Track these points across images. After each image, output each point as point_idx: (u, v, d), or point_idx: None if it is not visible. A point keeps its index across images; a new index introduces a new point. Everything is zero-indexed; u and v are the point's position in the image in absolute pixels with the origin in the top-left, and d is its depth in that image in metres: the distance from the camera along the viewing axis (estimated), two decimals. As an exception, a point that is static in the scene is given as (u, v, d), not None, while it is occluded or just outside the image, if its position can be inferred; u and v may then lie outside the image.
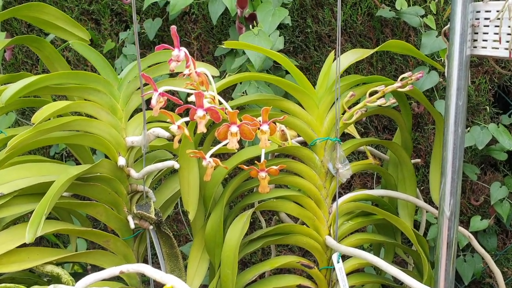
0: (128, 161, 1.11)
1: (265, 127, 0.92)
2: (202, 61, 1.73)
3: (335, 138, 1.10)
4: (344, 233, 1.17)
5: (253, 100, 1.08)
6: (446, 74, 1.09)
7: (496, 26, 1.04)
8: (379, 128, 1.77)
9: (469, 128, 1.65)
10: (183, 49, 0.88)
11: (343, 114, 1.12)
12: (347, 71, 1.68)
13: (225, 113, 0.92)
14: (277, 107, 1.09)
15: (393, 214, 1.25)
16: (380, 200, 1.20)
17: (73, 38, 1.21)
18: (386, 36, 1.68)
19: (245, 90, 1.43)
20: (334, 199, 1.16)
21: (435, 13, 1.57)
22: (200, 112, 0.85)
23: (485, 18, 1.06)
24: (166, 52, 1.22)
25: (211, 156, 0.94)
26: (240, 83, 1.41)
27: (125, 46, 1.66)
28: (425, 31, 1.47)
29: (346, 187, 1.77)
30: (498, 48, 1.03)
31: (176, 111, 0.87)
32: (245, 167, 0.95)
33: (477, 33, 1.07)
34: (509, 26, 1.00)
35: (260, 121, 0.91)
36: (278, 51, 1.31)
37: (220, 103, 0.97)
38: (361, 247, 1.30)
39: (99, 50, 1.40)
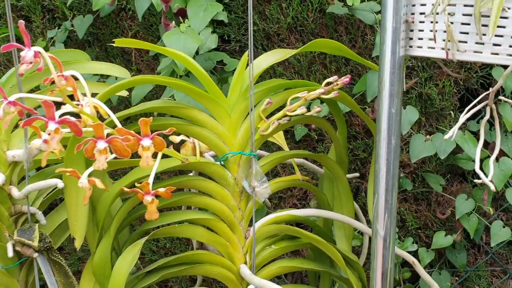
0: (11, 178, 0.95)
1: (146, 142, 0.76)
2: (141, 61, 1.57)
3: (249, 153, 0.94)
4: (266, 259, 1.00)
5: (152, 107, 0.91)
6: (378, 77, 0.92)
7: (432, 22, 0.87)
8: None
9: (432, 135, 1.49)
10: (36, 48, 0.72)
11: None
12: (299, 73, 1.52)
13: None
14: (183, 116, 0.93)
15: (325, 236, 1.09)
16: (308, 220, 1.04)
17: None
18: (340, 35, 1.51)
19: (173, 95, 1.27)
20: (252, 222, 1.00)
21: (389, 8, 1.40)
22: (51, 126, 0.69)
23: (421, 13, 0.89)
24: (69, 52, 1.07)
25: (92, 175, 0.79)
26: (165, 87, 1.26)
27: (54, 46, 1.51)
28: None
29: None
30: (434, 48, 0.87)
31: (21, 124, 0.71)
32: (126, 189, 0.79)
33: (412, 31, 0.90)
34: (444, 22, 0.83)
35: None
36: (221, 51, 1.16)
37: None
38: (298, 277, 1.14)
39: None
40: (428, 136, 1.53)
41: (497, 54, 0.82)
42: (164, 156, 0.84)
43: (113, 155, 0.78)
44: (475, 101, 0.84)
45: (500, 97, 0.89)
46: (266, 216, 1.00)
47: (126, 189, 0.79)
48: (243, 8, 1.52)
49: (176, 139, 1.00)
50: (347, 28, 1.50)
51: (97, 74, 1.33)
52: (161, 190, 0.78)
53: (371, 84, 1.42)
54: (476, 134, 1.60)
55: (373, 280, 0.96)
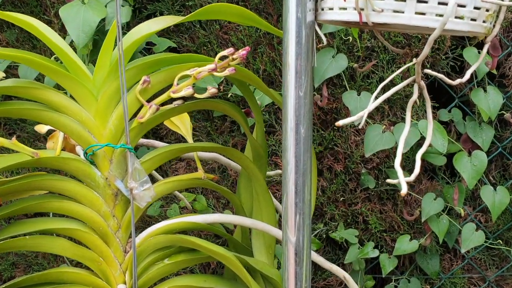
0: None
1: None
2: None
3: (120, 145, 0.73)
4: (156, 277, 0.79)
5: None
6: (283, 50, 0.70)
7: (344, -27, 0.65)
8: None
9: (393, 126, 1.26)
10: None
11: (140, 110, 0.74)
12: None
13: None
14: (38, 99, 0.72)
15: (239, 246, 0.88)
16: (213, 229, 0.83)
17: None
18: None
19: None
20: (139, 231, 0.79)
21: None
22: None
23: (330, -38, 0.67)
24: None
25: None
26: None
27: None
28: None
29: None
30: (346, 9, 0.65)
31: None
32: None
33: (323, -12, 0.69)
34: (355, -29, 0.61)
35: None
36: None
37: None
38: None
39: None
40: (388, 127, 1.31)
41: (423, 14, 0.60)
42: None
43: None
44: (399, 71, 0.62)
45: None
46: (155, 225, 0.79)
47: None
48: (176, -20, 1.30)
49: (43, 129, 0.79)
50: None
51: None
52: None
53: (320, 65, 1.20)
54: (447, 125, 1.37)
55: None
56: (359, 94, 1.20)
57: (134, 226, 0.75)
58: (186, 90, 0.71)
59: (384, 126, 1.22)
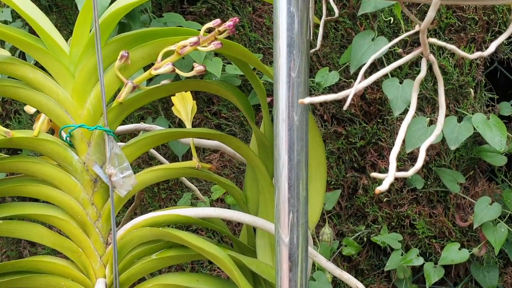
0: None
1: None
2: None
3: (96, 126, 0.66)
4: (141, 273, 0.72)
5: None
6: (273, 20, 0.60)
7: None
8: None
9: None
10: None
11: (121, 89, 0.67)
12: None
13: None
14: (14, 76, 0.67)
15: (240, 245, 0.79)
16: (206, 224, 0.74)
17: None
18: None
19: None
20: (123, 223, 0.73)
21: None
22: None
23: None
24: None
25: None
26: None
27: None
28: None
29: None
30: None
31: None
32: None
33: None
34: None
35: None
36: (186, 14, 0.89)
37: None
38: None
39: None
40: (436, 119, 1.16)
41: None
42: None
43: None
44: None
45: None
46: (139, 217, 0.72)
47: None
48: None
49: (31, 109, 0.75)
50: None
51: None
52: None
53: (357, 49, 1.07)
54: (509, 120, 1.20)
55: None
56: (401, 82, 1.06)
57: (114, 215, 0.68)
58: (165, 67, 0.63)
59: (430, 120, 1.07)
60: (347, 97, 0.51)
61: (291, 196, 0.62)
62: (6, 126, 1.47)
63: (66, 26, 1.36)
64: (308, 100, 0.44)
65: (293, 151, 0.61)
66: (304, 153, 0.62)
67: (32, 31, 0.67)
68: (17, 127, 1.47)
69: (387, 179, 0.45)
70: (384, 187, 0.43)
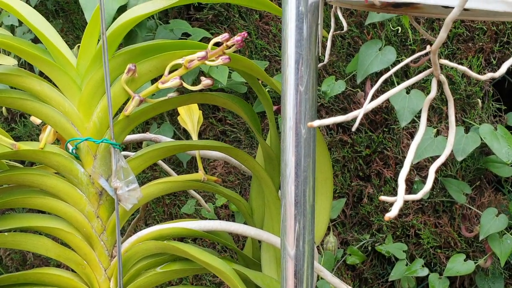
0: None
1: None
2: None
3: (103, 140, 0.66)
4: (147, 285, 0.72)
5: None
6: (282, 36, 0.60)
7: None
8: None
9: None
10: None
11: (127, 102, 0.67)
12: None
13: None
14: (22, 88, 0.67)
15: (245, 259, 0.79)
16: (210, 236, 0.74)
17: None
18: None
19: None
20: (128, 234, 0.72)
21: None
22: None
23: None
24: None
25: None
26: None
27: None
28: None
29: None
30: (350, -15, 0.53)
31: None
32: None
33: (327, -40, 0.57)
34: None
35: None
36: (192, 20, 0.89)
37: None
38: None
39: None
40: (446, 131, 1.16)
41: (443, -13, 0.47)
42: None
43: None
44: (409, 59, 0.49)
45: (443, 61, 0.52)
46: (144, 229, 0.71)
47: None
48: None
49: (37, 120, 0.74)
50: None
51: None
52: None
53: (363, 58, 1.07)
54: (515, 130, 1.19)
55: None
56: (408, 92, 1.06)
57: (119, 228, 0.68)
58: (173, 81, 0.63)
59: (436, 129, 1.07)
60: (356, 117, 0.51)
61: (297, 213, 0.62)
62: (12, 129, 1.47)
63: (72, 30, 1.36)
64: (317, 123, 0.44)
65: (300, 167, 0.61)
66: (311, 169, 0.62)
67: (36, 38, 0.67)
68: (22, 131, 1.47)
69: (396, 204, 0.44)
70: (393, 213, 0.42)
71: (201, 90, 0.65)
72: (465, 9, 0.49)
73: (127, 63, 0.65)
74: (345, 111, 1.24)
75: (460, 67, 0.51)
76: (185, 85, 0.65)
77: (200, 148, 0.75)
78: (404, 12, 0.61)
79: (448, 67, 1.15)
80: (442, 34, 0.47)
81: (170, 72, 0.65)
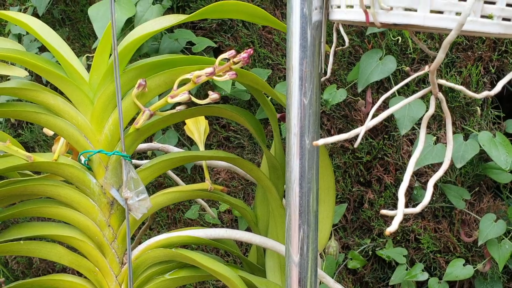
0: None
1: None
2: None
3: (114, 152, 0.69)
4: (156, 293, 0.75)
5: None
6: (286, 52, 0.63)
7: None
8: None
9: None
10: None
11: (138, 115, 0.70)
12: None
13: None
14: (37, 102, 0.70)
15: (250, 266, 0.81)
16: (217, 245, 0.77)
17: None
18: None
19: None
20: (137, 241, 0.75)
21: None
22: None
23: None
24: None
25: None
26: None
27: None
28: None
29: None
30: (353, 7, 0.56)
31: None
32: None
33: (331, -15, 0.60)
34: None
35: None
36: (196, 29, 0.92)
37: None
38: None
39: None
40: (444, 138, 1.18)
41: (440, 12, 0.50)
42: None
43: None
44: (408, 79, 0.52)
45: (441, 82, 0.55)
46: (153, 238, 0.74)
47: None
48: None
49: (50, 131, 0.77)
50: None
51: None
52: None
53: (364, 68, 1.10)
54: (513, 138, 1.22)
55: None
56: (408, 101, 1.08)
57: (130, 237, 0.70)
58: (182, 96, 0.65)
59: (436, 137, 1.10)
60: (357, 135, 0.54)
61: (302, 222, 0.65)
62: (18, 135, 1.50)
63: (78, 38, 1.39)
64: (321, 141, 0.47)
65: (304, 179, 0.64)
66: (315, 180, 0.64)
67: (43, 46, 0.70)
68: (29, 136, 1.50)
69: (396, 218, 0.47)
70: (393, 227, 0.45)
71: (208, 103, 0.68)
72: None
73: (137, 78, 0.68)
74: (346, 118, 1.27)
75: (457, 86, 0.54)
76: (193, 99, 0.67)
77: (207, 159, 0.77)
78: (404, 28, 0.64)
79: (447, 75, 1.18)
80: (441, 55, 0.50)
81: (178, 86, 0.67)
